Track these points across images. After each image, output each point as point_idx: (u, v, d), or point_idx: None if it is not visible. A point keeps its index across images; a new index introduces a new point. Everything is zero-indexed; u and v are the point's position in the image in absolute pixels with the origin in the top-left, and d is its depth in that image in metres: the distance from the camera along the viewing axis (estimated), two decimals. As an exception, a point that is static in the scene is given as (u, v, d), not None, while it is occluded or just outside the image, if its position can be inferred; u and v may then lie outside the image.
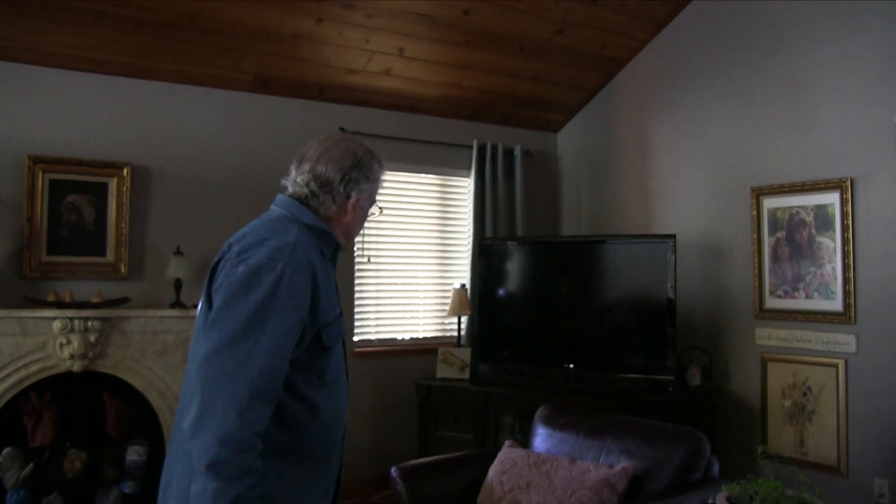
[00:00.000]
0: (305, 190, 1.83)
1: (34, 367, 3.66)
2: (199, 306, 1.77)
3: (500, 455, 3.26)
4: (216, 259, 1.73)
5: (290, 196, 1.86)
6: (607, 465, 3.00)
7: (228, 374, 1.55)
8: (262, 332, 1.58)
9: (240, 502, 1.50)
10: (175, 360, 3.95)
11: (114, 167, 4.11)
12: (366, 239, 4.98)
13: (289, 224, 1.77)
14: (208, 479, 1.50)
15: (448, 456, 3.52)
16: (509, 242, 5.00)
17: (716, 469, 3.01)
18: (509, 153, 5.39)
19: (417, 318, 5.25)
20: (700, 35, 4.68)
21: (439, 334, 5.29)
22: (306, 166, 1.85)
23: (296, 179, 1.85)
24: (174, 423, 1.82)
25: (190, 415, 1.54)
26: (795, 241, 4.13)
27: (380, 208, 2.03)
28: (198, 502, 1.52)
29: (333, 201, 1.85)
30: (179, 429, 1.71)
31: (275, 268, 1.63)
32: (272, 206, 1.88)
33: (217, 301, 1.63)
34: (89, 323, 3.71)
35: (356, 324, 4.94)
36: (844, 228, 3.88)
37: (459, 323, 5.03)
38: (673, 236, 4.34)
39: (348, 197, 1.86)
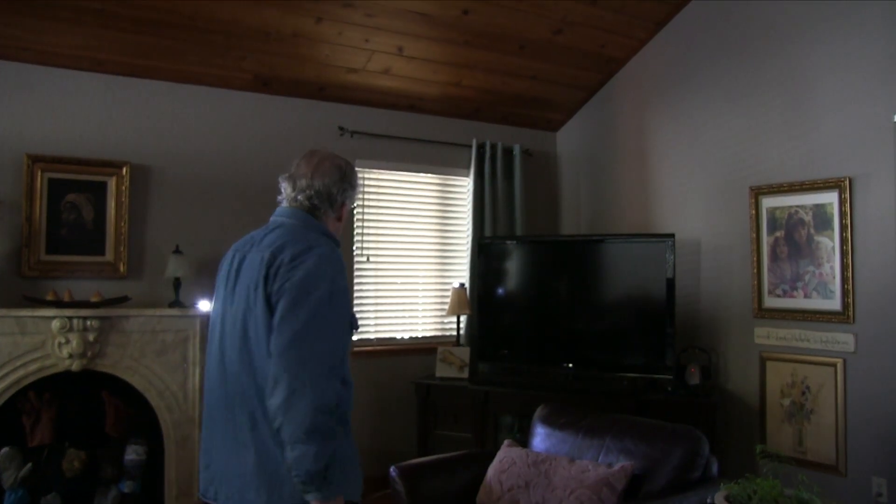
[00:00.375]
0: (308, 203, 2.14)
1: (33, 367, 3.66)
2: (246, 305, 1.99)
3: (500, 454, 3.27)
4: (265, 268, 1.96)
5: (295, 208, 2.15)
6: (606, 464, 3.00)
7: (307, 358, 1.85)
8: (325, 323, 1.90)
9: (334, 459, 1.81)
10: (174, 358, 3.94)
11: (113, 166, 4.11)
12: (365, 238, 4.98)
13: (312, 233, 2.09)
14: (308, 444, 1.78)
15: (447, 455, 3.52)
16: (508, 241, 5.00)
17: (714, 468, 3.01)
18: (508, 152, 5.39)
19: (417, 317, 5.25)
20: (699, 35, 4.68)
21: (438, 333, 5.29)
22: (303, 183, 2.14)
23: (296, 196, 2.14)
24: (221, 419, 2.03)
25: (279, 395, 1.82)
26: (794, 240, 4.14)
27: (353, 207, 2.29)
28: (302, 465, 1.79)
29: (332, 210, 2.18)
30: (234, 420, 1.98)
31: (325, 272, 1.94)
32: (282, 218, 2.14)
33: (284, 301, 1.91)
34: (88, 322, 3.71)
35: (355, 323, 4.94)
36: (843, 228, 3.88)
37: (459, 322, 5.03)
38: (672, 235, 4.34)
39: (342, 205, 2.21)
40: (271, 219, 2.17)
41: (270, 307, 1.92)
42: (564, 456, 3.14)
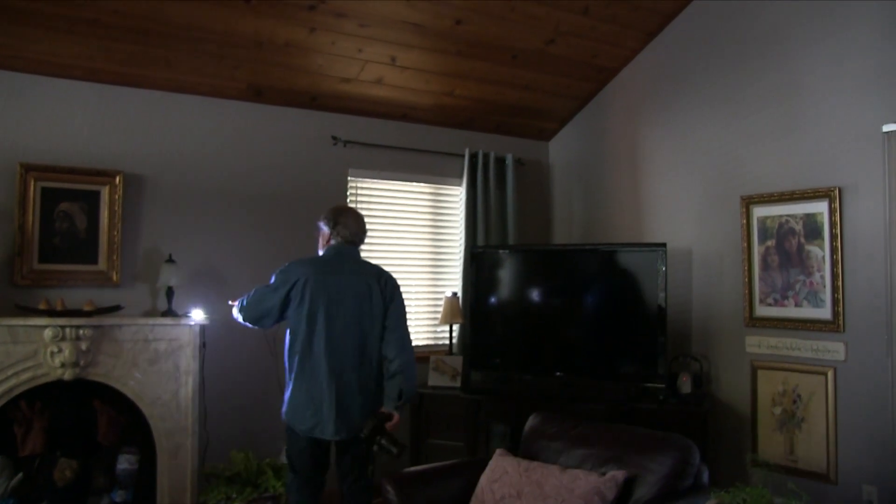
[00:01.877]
0: (357, 243, 3.49)
1: (25, 376, 3.64)
2: (360, 309, 3.30)
3: (491, 463, 3.28)
4: (377, 285, 3.38)
5: (351, 246, 3.45)
6: (597, 472, 3.01)
7: (410, 341, 3.43)
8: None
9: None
10: (167, 367, 3.94)
11: (106, 175, 4.11)
12: (358, 247, 4.99)
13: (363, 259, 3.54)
14: (414, 383, 3.36)
15: (439, 464, 3.54)
16: (501, 251, 5.01)
17: (705, 477, 3.02)
18: (501, 162, 5.41)
19: (409, 325, 5.23)
20: (690, 45, 4.72)
21: (431, 342, 5.29)
22: (354, 228, 3.45)
23: (352, 238, 3.45)
24: (328, 381, 3.22)
25: (404, 357, 3.33)
26: (785, 249, 4.16)
27: None
28: (409, 393, 3.31)
29: (361, 245, 3.54)
30: (342, 381, 3.24)
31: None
32: (349, 252, 3.45)
33: (396, 308, 3.40)
34: (81, 331, 3.70)
35: (348, 332, 4.94)
36: (833, 237, 3.91)
37: (451, 331, 5.04)
38: (663, 245, 4.36)
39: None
40: (335, 251, 3.40)
41: (384, 307, 3.34)
42: (556, 465, 3.15)
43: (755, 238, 4.30)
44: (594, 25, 4.60)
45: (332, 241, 3.43)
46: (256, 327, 3.46)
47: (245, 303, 3.40)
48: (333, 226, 3.42)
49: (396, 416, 3.21)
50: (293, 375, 3.26)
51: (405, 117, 5.13)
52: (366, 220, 5.14)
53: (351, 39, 4.27)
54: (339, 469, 3.37)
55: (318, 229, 3.54)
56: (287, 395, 3.29)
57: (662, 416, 4.09)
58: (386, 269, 4.40)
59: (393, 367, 3.26)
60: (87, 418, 3.89)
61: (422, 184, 5.31)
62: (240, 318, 3.43)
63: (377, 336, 3.32)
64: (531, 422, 3.55)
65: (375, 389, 3.29)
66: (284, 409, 3.30)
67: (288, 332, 3.32)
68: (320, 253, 3.51)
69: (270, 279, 3.37)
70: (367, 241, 5.06)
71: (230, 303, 3.64)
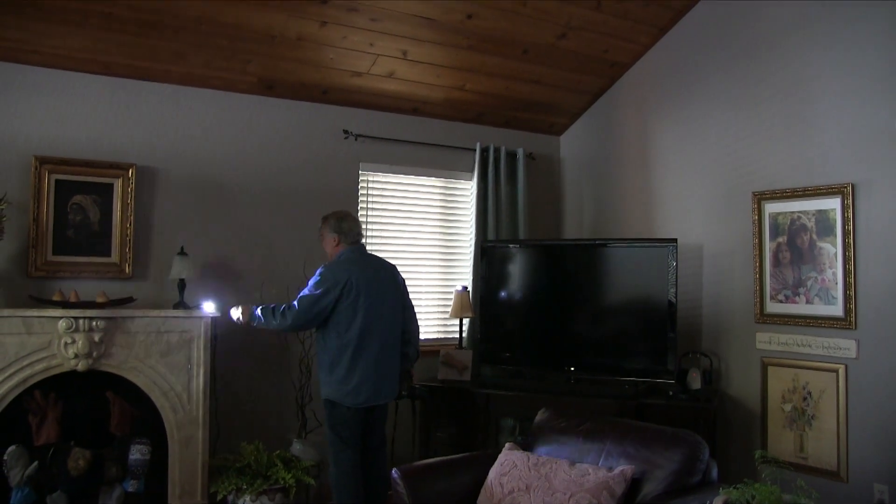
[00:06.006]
0: (361, 239, 3.96)
1: (39, 366, 3.68)
2: (395, 296, 3.90)
3: (501, 457, 3.29)
4: (398, 278, 3.99)
5: (357, 244, 3.90)
6: (606, 468, 3.01)
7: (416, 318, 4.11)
8: None
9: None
10: (179, 359, 3.97)
11: (119, 168, 4.14)
12: (369, 241, 5.00)
13: None
14: (418, 348, 4.07)
15: (448, 458, 3.55)
16: (511, 245, 5.01)
17: (714, 473, 3.02)
18: (512, 156, 5.41)
19: (419, 319, 5.24)
20: (702, 40, 4.69)
21: (441, 336, 5.30)
22: (357, 228, 3.93)
23: (358, 238, 3.92)
24: (377, 356, 3.74)
25: (417, 332, 4.04)
26: (797, 245, 4.15)
27: None
28: (417, 354, 4.05)
29: None
30: (388, 355, 3.82)
31: None
32: (362, 252, 3.91)
33: (406, 289, 4.03)
34: (94, 322, 3.73)
35: (358, 325, 4.96)
36: (845, 234, 3.89)
37: (461, 325, 5.05)
38: (674, 240, 4.35)
39: None
40: (357, 252, 3.84)
41: (402, 292, 3.98)
42: (565, 459, 3.15)
43: (767, 234, 4.28)
44: (606, 20, 4.58)
45: (343, 245, 3.84)
46: (301, 329, 3.91)
47: (284, 313, 3.68)
48: (339, 231, 3.84)
49: (413, 372, 4.12)
50: (345, 360, 3.67)
51: (416, 111, 5.14)
52: (377, 214, 5.36)
53: (362, 33, 4.27)
54: (369, 426, 3.80)
55: (321, 236, 3.93)
56: (335, 377, 3.68)
57: (672, 412, 4.09)
58: (397, 262, 4.48)
59: (413, 338, 3.99)
60: (100, 409, 3.93)
61: (433, 178, 5.31)
62: (284, 326, 3.72)
63: (400, 314, 3.91)
64: (540, 416, 3.56)
65: (398, 355, 3.92)
66: (330, 389, 3.70)
67: (330, 326, 3.69)
68: (336, 255, 3.84)
69: (310, 286, 3.70)
70: (378, 235, 5.23)
71: (237, 315, 3.90)
